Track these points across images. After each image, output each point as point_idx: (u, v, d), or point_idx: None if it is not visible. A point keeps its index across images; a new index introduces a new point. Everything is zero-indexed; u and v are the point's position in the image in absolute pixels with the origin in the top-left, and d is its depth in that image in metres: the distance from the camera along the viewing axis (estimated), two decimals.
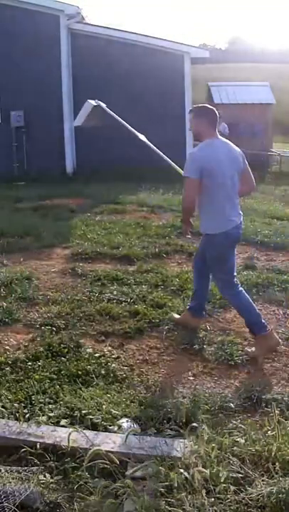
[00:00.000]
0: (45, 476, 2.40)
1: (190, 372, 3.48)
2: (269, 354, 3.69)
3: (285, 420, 2.68)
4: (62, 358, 3.53)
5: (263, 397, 3.10)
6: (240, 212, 3.86)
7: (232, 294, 3.86)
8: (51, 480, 2.39)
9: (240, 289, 3.88)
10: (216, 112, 3.77)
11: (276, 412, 2.63)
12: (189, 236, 3.99)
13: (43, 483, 2.35)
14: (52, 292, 4.70)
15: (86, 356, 3.57)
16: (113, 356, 3.62)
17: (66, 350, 3.63)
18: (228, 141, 3.85)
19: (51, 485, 2.37)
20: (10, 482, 2.29)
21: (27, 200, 9.23)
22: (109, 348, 3.76)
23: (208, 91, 17.19)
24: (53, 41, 12.50)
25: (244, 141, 15.94)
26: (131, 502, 2.17)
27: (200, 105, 3.88)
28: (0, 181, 11.65)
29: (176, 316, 4.19)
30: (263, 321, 3.78)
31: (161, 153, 4.67)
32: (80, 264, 5.40)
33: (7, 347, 3.74)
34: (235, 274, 3.91)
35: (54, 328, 3.97)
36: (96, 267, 5.38)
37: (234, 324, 4.19)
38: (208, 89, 17.16)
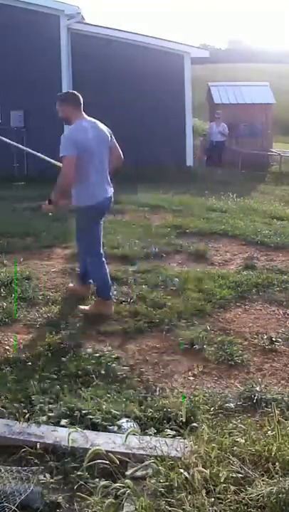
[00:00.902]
0: (45, 476, 2.40)
1: (190, 372, 3.48)
2: (98, 315, 4.18)
3: (285, 420, 2.68)
4: (62, 358, 3.53)
5: (263, 397, 3.10)
6: (111, 185, 4.31)
7: (94, 261, 4.30)
8: (51, 480, 2.39)
9: (103, 259, 4.32)
10: (78, 95, 4.17)
11: (276, 412, 2.63)
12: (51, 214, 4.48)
13: (43, 483, 2.36)
14: (52, 292, 4.70)
15: (86, 356, 3.57)
16: (113, 356, 3.62)
17: (66, 350, 3.63)
18: (95, 120, 4.21)
19: (51, 485, 2.37)
20: (10, 482, 2.29)
21: (27, 200, 9.22)
22: (109, 348, 3.76)
23: (208, 91, 17.16)
24: (53, 41, 12.49)
25: (244, 141, 15.96)
26: (131, 502, 2.17)
27: (64, 92, 4.31)
28: (0, 181, 11.64)
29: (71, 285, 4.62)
30: (110, 292, 4.34)
31: (36, 153, 4.88)
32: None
33: (7, 347, 3.74)
34: (101, 243, 4.37)
35: (54, 328, 3.97)
36: None
37: (234, 324, 4.19)
38: (208, 89, 17.13)
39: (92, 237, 4.30)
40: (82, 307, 4.35)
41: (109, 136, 4.23)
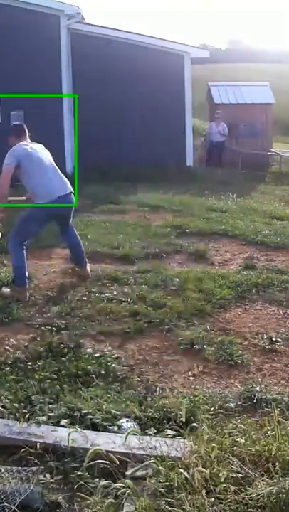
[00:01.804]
0: (45, 476, 2.40)
1: (190, 372, 3.48)
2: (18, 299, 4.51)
3: (285, 420, 2.68)
4: (62, 358, 3.53)
5: (263, 397, 3.10)
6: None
7: (16, 249, 4.72)
8: (51, 480, 2.39)
9: (24, 247, 4.76)
10: (21, 124, 5.21)
11: (276, 412, 2.63)
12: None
13: (43, 483, 2.36)
14: (52, 292, 4.70)
15: (86, 356, 3.57)
16: (113, 356, 3.62)
17: (66, 350, 3.63)
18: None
19: (51, 485, 2.37)
20: (10, 482, 2.29)
21: None
22: (109, 348, 3.76)
23: (208, 91, 17.15)
24: (53, 41, 12.48)
25: (244, 141, 15.95)
26: (131, 502, 2.16)
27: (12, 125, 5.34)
28: None
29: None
30: (26, 279, 4.66)
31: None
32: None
33: (7, 347, 3.74)
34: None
35: (54, 328, 3.97)
36: (96, 266, 5.38)
37: (234, 324, 4.19)
38: (208, 89, 17.12)
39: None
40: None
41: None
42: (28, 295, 4.59)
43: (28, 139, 5.03)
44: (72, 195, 4.88)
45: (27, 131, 5.07)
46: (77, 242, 5.15)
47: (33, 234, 5.02)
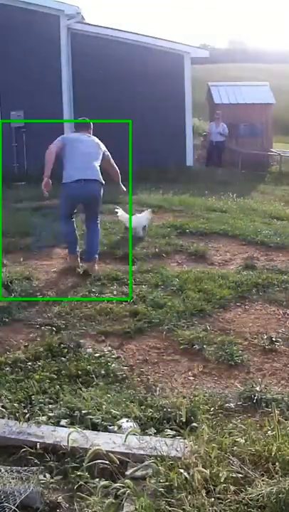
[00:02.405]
0: (45, 476, 2.40)
1: (190, 372, 3.48)
2: (69, 268, 5.30)
3: (285, 420, 2.68)
4: (62, 358, 3.54)
5: (263, 397, 3.10)
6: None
7: (61, 223, 5.47)
8: (51, 480, 2.39)
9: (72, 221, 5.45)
10: (83, 119, 5.85)
11: (276, 412, 2.63)
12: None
13: (43, 483, 2.35)
14: (52, 292, 4.70)
15: (86, 356, 3.57)
16: (113, 356, 3.62)
17: (66, 350, 3.64)
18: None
19: (51, 485, 2.37)
20: (10, 482, 2.29)
21: (27, 200, 9.22)
22: (109, 348, 3.76)
23: (208, 91, 17.15)
24: (53, 41, 12.49)
25: (244, 141, 15.95)
26: (131, 502, 2.16)
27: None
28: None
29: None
30: (77, 248, 5.40)
31: None
32: (80, 264, 5.40)
33: (7, 347, 3.74)
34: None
35: (54, 328, 3.97)
36: (96, 266, 5.37)
37: (234, 324, 4.19)
38: (208, 89, 17.12)
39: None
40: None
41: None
42: (78, 262, 5.30)
43: (84, 131, 5.58)
44: (96, 184, 5.26)
45: (88, 126, 5.68)
46: (93, 237, 5.44)
47: (67, 210, 5.43)
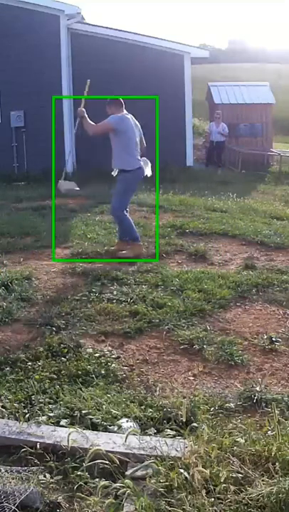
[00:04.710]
0: (45, 476, 2.40)
1: (190, 372, 3.48)
2: (134, 257, 5.54)
3: (285, 420, 2.68)
4: (63, 358, 3.54)
5: (263, 397, 3.10)
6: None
7: (122, 215, 5.82)
8: (51, 480, 2.39)
9: (126, 213, 5.85)
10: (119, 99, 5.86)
11: (276, 412, 2.63)
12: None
13: (43, 483, 2.35)
14: (52, 292, 4.70)
15: (86, 356, 3.57)
16: (113, 356, 3.62)
17: (66, 350, 3.63)
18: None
19: (51, 485, 2.37)
20: (10, 482, 2.29)
21: (27, 200, 9.22)
22: (109, 348, 3.76)
23: (208, 91, 17.16)
24: (52, 41, 12.49)
25: (244, 141, 15.96)
26: (131, 502, 2.17)
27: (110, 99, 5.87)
28: (0, 181, 11.64)
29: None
30: (137, 235, 5.82)
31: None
32: (80, 264, 5.40)
33: (7, 347, 3.74)
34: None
35: (54, 328, 3.97)
36: (96, 266, 5.38)
37: (234, 324, 4.19)
38: (208, 89, 17.13)
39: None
40: (122, 252, 5.71)
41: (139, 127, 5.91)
42: (142, 248, 5.74)
43: (125, 111, 5.83)
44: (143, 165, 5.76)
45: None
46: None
47: (130, 197, 6.08)
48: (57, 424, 2.77)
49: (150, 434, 2.68)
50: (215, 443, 2.44)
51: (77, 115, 5.91)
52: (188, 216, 7.69)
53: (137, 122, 5.89)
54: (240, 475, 2.27)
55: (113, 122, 5.65)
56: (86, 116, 5.77)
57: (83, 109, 5.84)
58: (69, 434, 2.54)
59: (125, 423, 2.77)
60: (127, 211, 5.88)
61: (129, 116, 5.81)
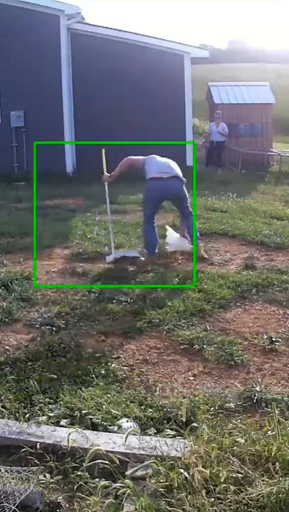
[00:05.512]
0: (45, 476, 2.40)
1: (190, 372, 3.48)
2: (147, 266, 5.37)
3: (285, 420, 2.68)
4: (63, 358, 3.53)
5: (263, 397, 3.10)
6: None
7: (144, 224, 5.87)
8: (51, 480, 2.39)
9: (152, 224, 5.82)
10: None
11: (276, 412, 2.63)
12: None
13: (43, 483, 2.35)
14: (52, 292, 4.70)
15: (86, 356, 3.57)
16: (113, 356, 3.62)
17: (66, 350, 3.63)
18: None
19: (51, 485, 2.37)
20: (10, 482, 2.29)
21: (27, 200, 9.22)
22: (109, 348, 3.76)
23: (208, 91, 17.15)
24: (52, 41, 12.49)
25: (244, 141, 15.95)
26: (131, 502, 2.16)
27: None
28: (0, 181, 11.64)
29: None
30: (153, 250, 5.69)
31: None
32: (80, 264, 5.40)
33: (7, 347, 3.74)
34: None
35: (54, 328, 3.97)
36: (96, 267, 5.38)
37: (234, 324, 4.19)
38: (208, 89, 17.12)
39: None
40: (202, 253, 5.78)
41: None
42: (156, 261, 5.61)
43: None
44: (178, 179, 5.73)
45: None
46: (189, 224, 5.82)
47: (151, 207, 5.87)
48: (57, 424, 2.77)
49: (150, 434, 2.68)
50: (215, 443, 2.43)
51: (103, 181, 5.96)
52: None
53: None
54: (240, 475, 2.27)
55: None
56: (110, 175, 5.89)
57: (107, 174, 5.91)
58: (69, 434, 2.54)
59: (125, 423, 2.77)
60: (154, 221, 5.83)
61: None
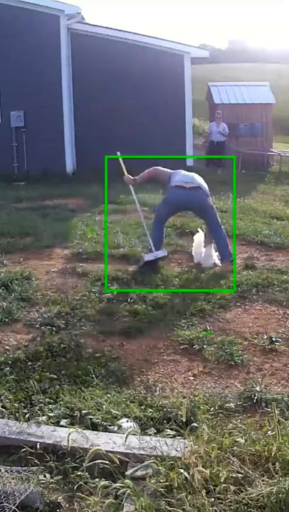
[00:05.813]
0: (45, 476, 2.40)
1: (190, 372, 3.48)
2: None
3: (285, 420, 2.68)
4: (63, 358, 3.53)
5: (263, 397, 3.10)
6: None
7: (154, 223, 5.80)
8: (51, 480, 2.39)
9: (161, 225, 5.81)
10: None
11: (276, 412, 2.63)
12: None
13: (43, 483, 2.35)
14: (52, 292, 4.70)
15: (86, 356, 3.57)
16: (113, 356, 3.62)
17: (66, 350, 3.63)
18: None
19: (51, 485, 2.37)
20: (10, 482, 2.29)
21: (27, 200, 9.22)
22: (109, 348, 3.76)
23: (208, 91, 17.14)
24: (52, 41, 12.48)
25: (244, 141, 15.94)
26: (131, 502, 2.16)
27: None
28: (0, 181, 11.63)
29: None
30: (160, 244, 5.65)
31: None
32: (80, 264, 5.40)
33: (7, 347, 3.74)
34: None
35: (54, 328, 3.97)
36: (96, 267, 5.38)
37: (234, 324, 4.19)
38: (208, 89, 17.11)
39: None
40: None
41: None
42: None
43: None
44: (201, 191, 5.60)
45: None
46: (217, 236, 5.72)
47: (166, 210, 5.84)
48: (57, 424, 2.77)
49: (150, 434, 2.68)
50: (215, 443, 2.43)
51: (126, 183, 6.00)
52: (188, 216, 7.68)
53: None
54: (240, 475, 2.27)
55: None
56: (134, 179, 5.93)
57: (130, 176, 5.92)
58: (69, 434, 2.54)
59: (125, 423, 2.77)
60: (164, 224, 5.87)
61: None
